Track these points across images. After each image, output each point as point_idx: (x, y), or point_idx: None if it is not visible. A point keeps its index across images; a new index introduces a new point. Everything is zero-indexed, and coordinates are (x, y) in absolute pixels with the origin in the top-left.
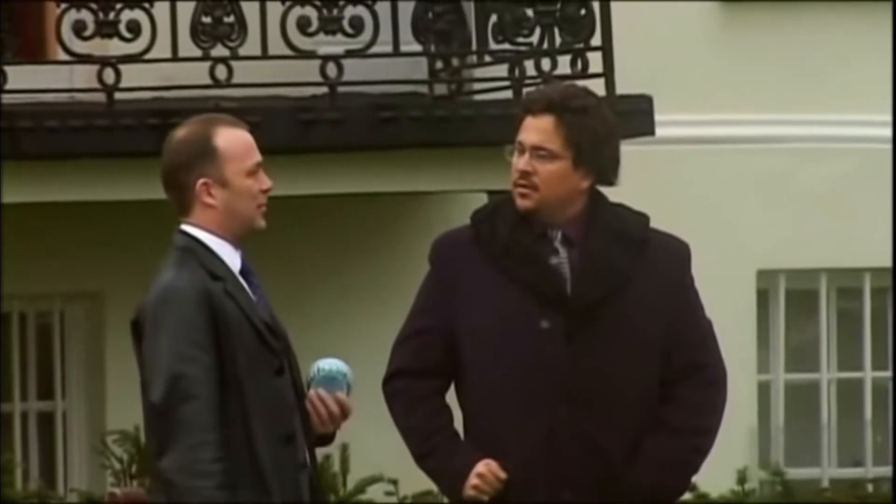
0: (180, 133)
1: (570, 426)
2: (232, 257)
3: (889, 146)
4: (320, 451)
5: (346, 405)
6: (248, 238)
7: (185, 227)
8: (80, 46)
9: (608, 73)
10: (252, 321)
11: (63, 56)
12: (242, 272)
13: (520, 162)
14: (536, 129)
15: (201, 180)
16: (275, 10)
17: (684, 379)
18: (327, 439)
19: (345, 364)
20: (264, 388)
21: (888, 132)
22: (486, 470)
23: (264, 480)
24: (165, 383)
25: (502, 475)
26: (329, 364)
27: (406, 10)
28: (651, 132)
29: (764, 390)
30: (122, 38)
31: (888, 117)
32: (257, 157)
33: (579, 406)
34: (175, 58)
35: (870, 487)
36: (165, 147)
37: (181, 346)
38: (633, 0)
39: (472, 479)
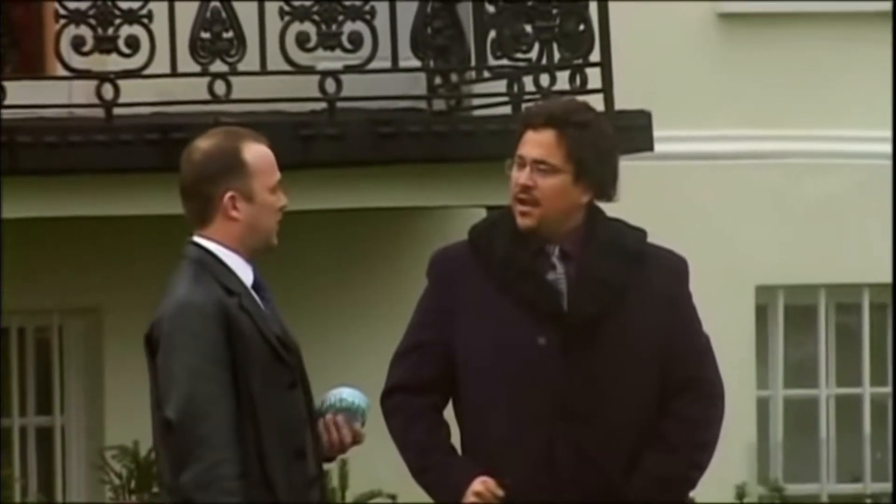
0: (205, 144)
1: (568, 442)
2: (244, 271)
3: (888, 162)
4: None
5: (360, 436)
6: (262, 255)
7: (199, 240)
8: (78, 62)
9: (607, 89)
10: (266, 336)
11: (62, 71)
12: (255, 286)
13: (521, 176)
14: (538, 144)
15: (229, 193)
16: (273, 26)
17: (681, 394)
18: (327, 459)
19: (364, 397)
20: (277, 403)
21: (887, 148)
22: (483, 488)
23: (275, 495)
24: (183, 400)
25: (500, 493)
26: (352, 396)
27: (405, 26)
28: (650, 148)
29: (763, 406)
30: (121, 54)
31: (887, 133)
32: (278, 173)
33: (576, 422)
34: (174, 73)
35: (869, 503)
36: (187, 157)
37: (198, 362)
38: (632, 16)
39: (470, 497)
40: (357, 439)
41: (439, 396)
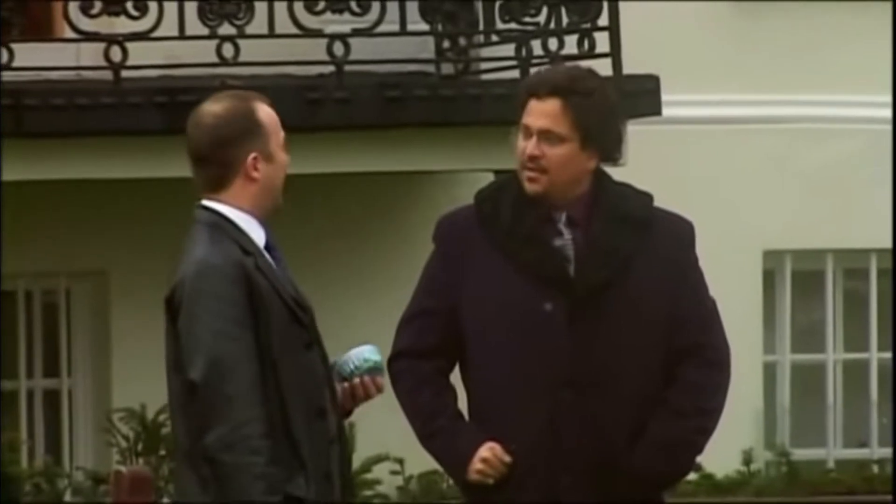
0: (216, 108)
1: (573, 409)
2: (258, 233)
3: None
4: None
5: (382, 387)
6: (273, 216)
7: (210, 204)
8: (87, 24)
9: (615, 53)
10: (282, 296)
11: (70, 34)
12: (266, 247)
13: (528, 146)
14: (543, 113)
15: (252, 155)
16: None
17: (687, 359)
18: (347, 413)
19: (377, 349)
20: (297, 363)
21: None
22: (490, 454)
23: (299, 455)
24: (207, 362)
25: (507, 459)
26: (371, 353)
27: None
28: (658, 112)
29: (770, 371)
30: (129, 16)
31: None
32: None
33: (582, 389)
34: (182, 36)
35: (875, 468)
36: (197, 122)
37: (221, 323)
38: None
39: (477, 464)
40: (381, 390)
41: (445, 361)
